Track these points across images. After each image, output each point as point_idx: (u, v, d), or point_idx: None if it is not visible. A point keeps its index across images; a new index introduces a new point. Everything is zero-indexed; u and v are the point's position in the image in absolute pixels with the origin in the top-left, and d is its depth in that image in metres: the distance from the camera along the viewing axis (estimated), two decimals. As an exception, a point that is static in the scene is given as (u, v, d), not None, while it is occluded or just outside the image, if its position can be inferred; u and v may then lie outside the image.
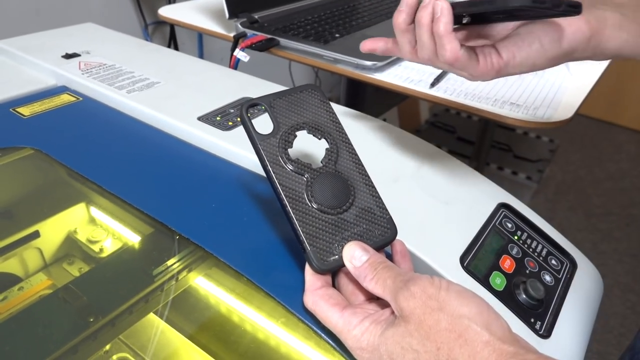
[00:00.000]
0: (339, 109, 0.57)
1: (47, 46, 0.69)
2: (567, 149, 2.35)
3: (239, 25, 0.72)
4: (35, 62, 0.64)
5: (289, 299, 0.35)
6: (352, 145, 0.37)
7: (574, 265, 0.44)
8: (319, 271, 0.32)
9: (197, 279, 0.44)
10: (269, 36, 0.69)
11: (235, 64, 0.68)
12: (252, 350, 0.40)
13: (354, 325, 0.29)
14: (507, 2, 0.32)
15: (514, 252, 0.42)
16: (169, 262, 0.43)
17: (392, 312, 0.29)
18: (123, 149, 0.51)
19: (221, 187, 0.46)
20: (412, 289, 0.28)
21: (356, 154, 0.37)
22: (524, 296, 0.38)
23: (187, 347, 0.40)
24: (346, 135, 0.37)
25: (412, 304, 0.27)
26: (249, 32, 0.71)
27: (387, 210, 0.36)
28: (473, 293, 0.28)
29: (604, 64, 0.66)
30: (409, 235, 0.39)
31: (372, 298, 0.32)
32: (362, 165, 0.37)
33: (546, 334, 0.37)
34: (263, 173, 0.46)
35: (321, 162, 0.35)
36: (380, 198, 0.36)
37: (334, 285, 0.34)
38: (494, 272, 0.40)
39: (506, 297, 0.38)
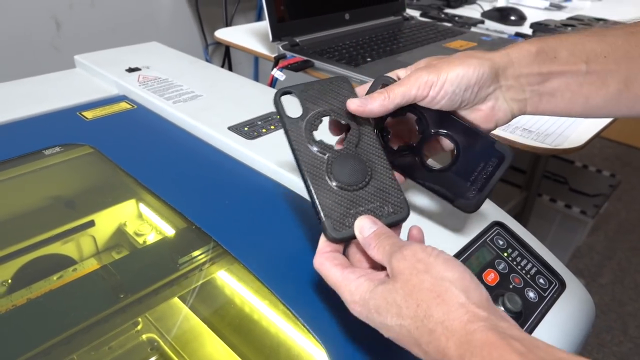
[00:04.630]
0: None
1: (115, 61, 0.79)
2: (634, 186, 2.22)
3: (280, 47, 0.79)
4: (103, 74, 0.75)
5: (287, 295, 0.39)
6: (373, 132, 0.40)
7: (562, 286, 0.45)
8: (332, 240, 0.35)
9: (219, 272, 0.49)
10: (305, 58, 0.76)
11: (273, 83, 0.74)
12: (260, 340, 0.45)
13: (350, 280, 0.32)
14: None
15: (500, 267, 0.44)
16: (194, 254, 0.49)
17: (387, 274, 0.32)
18: (164, 152, 0.59)
19: (240, 190, 0.52)
20: (404, 252, 0.31)
21: (376, 140, 0.40)
22: (502, 308, 0.40)
23: (204, 331, 0.45)
24: (369, 122, 0.40)
25: (402, 265, 0.30)
26: (289, 54, 0.78)
27: (402, 191, 0.38)
28: (459, 262, 0.31)
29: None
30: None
31: (375, 266, 0.35)
32: (381, 150, 0.39)
33: (518, 345, 0.39)
34: (281, 181, 0.52)
35: (343, 144, 0.39)
36: (396, 180, 0.39)
37: (344, 253, 0.37)
38: (475, 283, 0.42)
39: (483, 307, 0.40)
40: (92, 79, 0.76)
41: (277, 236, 0.46)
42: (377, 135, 0.40)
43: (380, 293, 0.30)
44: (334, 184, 0.37)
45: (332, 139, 0.40)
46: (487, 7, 1.25)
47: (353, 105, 0.39)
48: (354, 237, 0.35)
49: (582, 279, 1.67)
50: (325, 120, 0.40)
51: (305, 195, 0.49)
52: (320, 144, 0.38)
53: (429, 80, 0.37)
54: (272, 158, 0.53)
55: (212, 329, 0.46)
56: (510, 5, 1.26)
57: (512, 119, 0.39)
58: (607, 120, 0.61)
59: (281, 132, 0.58)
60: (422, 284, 0.29)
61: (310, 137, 0.38)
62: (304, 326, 0.37)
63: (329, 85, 0.40)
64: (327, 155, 0.38)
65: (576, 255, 1.80)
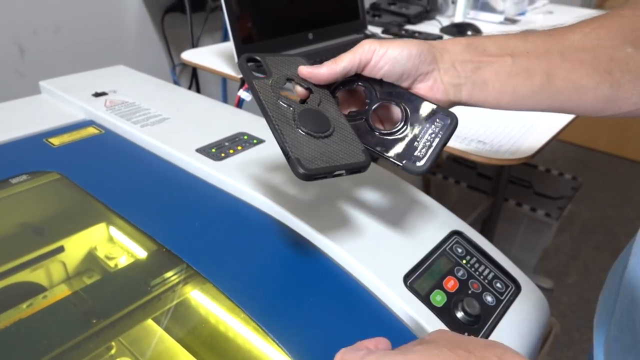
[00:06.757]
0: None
1: (81, 86, 0.79)
2: (595, 187, 2.32)
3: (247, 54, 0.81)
4: (69, 99, 0.75)
5: (257, 312, 0.41)
6: (331, 97, 0.43)
7: (518, 289, 0.48)
8: (302, 175, 0.36)
9: (191, 293, 0.50)
10: (270, 78, 0.78)
11: (239, 103, 0.76)
12: (233, 356, 0.46)
13: (377, 354, 0.30)
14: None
15: (459, 274, 0.47)
16: (166, 276, 0.49)
17: None
18: (132, 176, 0.59)
19: (209, 211, 0.53)
20: (442, 329, 0.32)
21: (334, 102, 0.43)
22: (461, 313, 0.43)
23: (179, 352, 0.46)
24: (327, 90, 0.43)
25: (440, 334, 0.31)
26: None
27: (361, 144, 0.41)
28: None
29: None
30: (360, 254, 0.45)
31: None
32: (340, 110, 0.43)
33: (477, 347, 0.41)
34: (249, 201, 0.53)
35: (306, 102, 0.41)
36: (355, 135, 0.41)
37: None
38: (436, 290, 0.44)
39: (444, 313, 0.43)
40: (58, 105, 0.76)
41: (246, 255, 0.47)
42: (335, 98, 0.44)
43: (420, 349, 0.29)
44: (302, 130, 0.39)
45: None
46: (445, 22, 1.30)
47: (304, 70, 0.42)
48: (325, 173, 0.37)
49: (550, 280, 1.72)
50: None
51: (276, 215, 0.50)
52: (287, 99, 0.40)
53: (372, 47, 0.41)
54: (239, 179, 0.55)
55: (185, 349, 0.46)
56: (467, 20, 1.31)
57: (450, 104, 0.42)
58: (555, 131, 0.65)
59: (248, 152, 0.60)
60: (469, 339, 0.29)
61: (276, 93, 0.41)
62: (274, 341, 0.39)
63: (289, 58, 0.45)
64: (292, 107, 0.40)
65: (544, 256, 1.86)
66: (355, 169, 0.39)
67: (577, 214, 2.11)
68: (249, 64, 0.43)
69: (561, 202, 1.81)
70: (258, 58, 0.43)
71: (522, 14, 1.48)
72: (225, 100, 1.55)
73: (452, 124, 0.40)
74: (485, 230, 1.51)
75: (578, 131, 2.59)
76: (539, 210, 1.74)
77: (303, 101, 0.42)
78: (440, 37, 1.16)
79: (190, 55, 0.97)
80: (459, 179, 1.90)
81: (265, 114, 0.39)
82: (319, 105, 0.42)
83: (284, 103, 0.40)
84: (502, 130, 0.64)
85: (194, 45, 1.31)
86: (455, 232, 0.51)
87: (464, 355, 0.27)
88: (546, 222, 1.72)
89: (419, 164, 0.40)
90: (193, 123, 0.68)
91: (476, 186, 1.85)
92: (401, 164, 0.40)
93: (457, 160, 2.05)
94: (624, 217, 2.10)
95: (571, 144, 2.70)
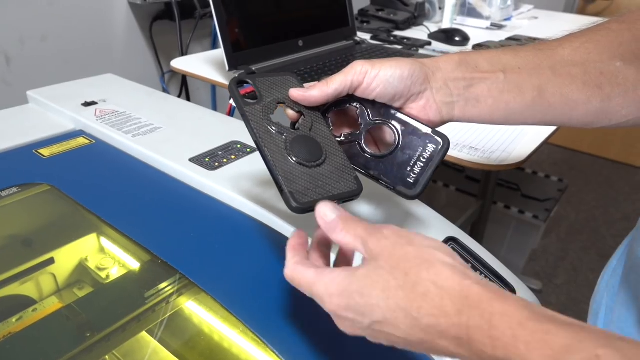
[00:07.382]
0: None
1: (70, 95, 0.78)
2: (581, 189, 2.35)
3: (237, 76, 0.81)
4: (58, 109, 0.74)
5: (254, 322, 0.41)
6: (323, 120, 0.43)
7: (512, 293, 0.48)
8: (295, 209, 0.36)
9: (186, 303, 0.49)
10: (262, 86, 0.78)
11: (231, 112, 0.76)
12: None
13: (325, 275, 0.31)
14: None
15: (455, 280, 0.47)
16: (160, 287, 0.49)
17: (363, 260, 0.31)
18: (125, 186, 0.59)
19: (203, 221, 0.53)
20: (384, 232, 0.30)
21: (326, 125, 0.43)
22: (458, 319, 0.43)
23: None
24: (319, 112, 0.43)
25: (384, 243, 0.30)
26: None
27: (353, 170, 0.41)
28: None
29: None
30: (357, 261, 0.45)
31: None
32: (332, 134, 0.42)
33: (475, 354, 0.41)
34: (244, 210, 0.53)
35: (297, 127, 0.41)
36: (347, 160, 0.41)
37: None
38: (433, 297, 0.45)
39: (441, 319, 0.43)
40: (47, 115, 0.75)
41: (242, 265, 0.47)
42: (327, 121, 0.43)
43: (362, 274, 0.29)
44: (294, 159, 0.39)
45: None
46: (433, 28, 1.31)
47: (295, 93, 0.42)
48: (314, 207, 0.36)
49: (539, 281, 1.74)
50: (280, 110, 0.42)
51: (271, 224, 0.50)
52: (278, 125, 0.40)
53: (364, 69, 0.40)
54: (234, 188, 0.55)
55: (181, 360, 0.46)
56: (454, 26, 1.33)
57: (442, 122, 0.42)
58: (544, 137, 0.66)
59: (242, 161, 0.60)
60: (407, 254, 0.29)
61: (268, 119, 0.40)
62: (272, 350, 0.39)
63: (279, 78, 0.44)
64: (284, 135, 0.40)
65: (532, 258, 1.88)
66: (347, 198, 0.39)
67: (564, 216, 2.14)
68: (238, 85, 0.43)
69: (548, 204, 1.83)
70: (249, 81, 0.43)
71: (508, 19, 1.50)
72: (214, 107, 1.55)
73: (443, 147, 0.41)
74: (475, 232, 1.53)
75: (563, 133, 2.63)
76: (526, 212, 1.76)
77: (294, 123, 0.42)
78: (428, 43, 1.17)
79: (180, 63, 0.96)
80: (448, 183, 1.91)
81: (257, 144, 0.39)
82: (310, 129, 0.41)
83: (276, 130, 0.40)
84: (493, 136, 0.65)
85: (183, 52, 1.30)
86: (451, 239, 0.51)
87: (401, 277, 0.28)
88: (534, 224, 1.74)
89: (411, 189, 0.40)
90: (185, 132, 0.67)
91: (465, 189, 1.87)
92: (393, 188, 0.41)
93: (446, 163, 2.07)
94: (609, 217, 2.14)
95: (557, 146, 2.74)
